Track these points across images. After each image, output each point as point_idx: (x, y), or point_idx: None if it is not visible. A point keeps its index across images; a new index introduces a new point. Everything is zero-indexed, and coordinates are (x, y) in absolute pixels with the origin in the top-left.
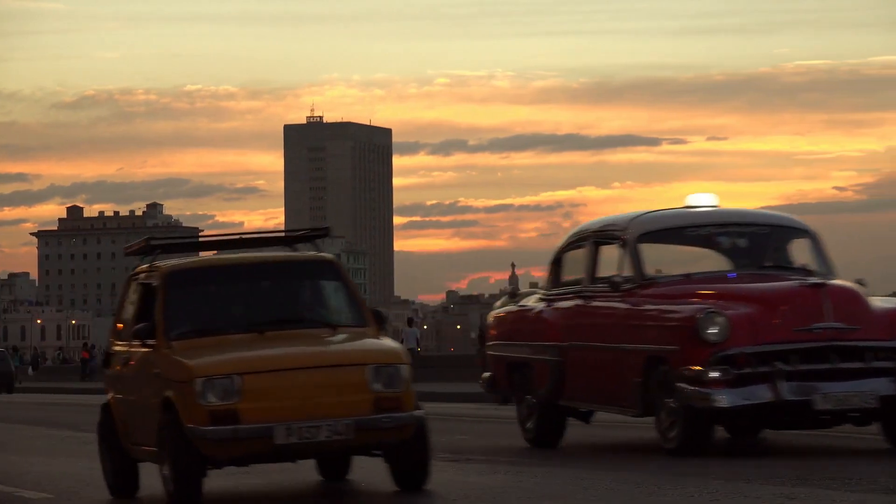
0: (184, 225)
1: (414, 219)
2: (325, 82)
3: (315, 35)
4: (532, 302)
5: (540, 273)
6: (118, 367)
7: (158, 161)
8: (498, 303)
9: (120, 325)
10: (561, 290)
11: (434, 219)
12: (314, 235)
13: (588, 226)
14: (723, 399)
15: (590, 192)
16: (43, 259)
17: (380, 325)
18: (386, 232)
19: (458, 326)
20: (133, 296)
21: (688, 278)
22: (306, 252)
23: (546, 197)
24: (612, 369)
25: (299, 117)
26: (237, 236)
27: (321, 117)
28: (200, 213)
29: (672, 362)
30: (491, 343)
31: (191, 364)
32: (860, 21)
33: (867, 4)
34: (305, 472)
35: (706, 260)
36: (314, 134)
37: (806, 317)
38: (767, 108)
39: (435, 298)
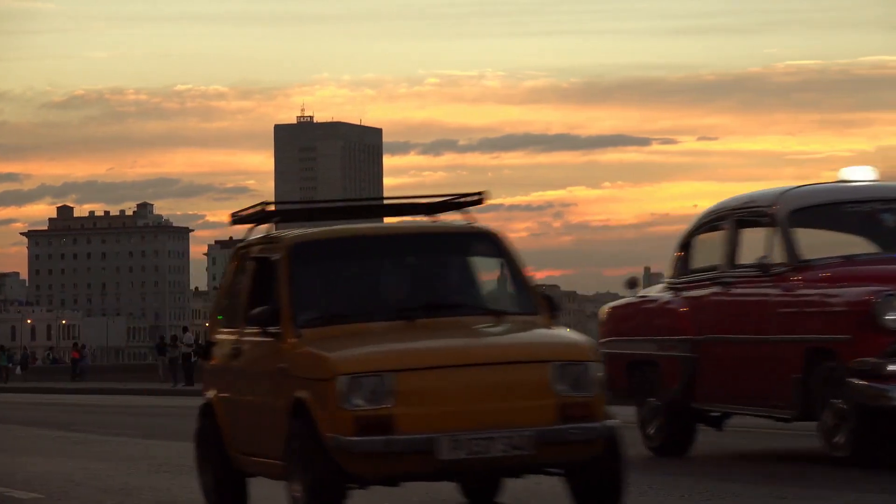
0: (174, 225)
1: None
2: (315, 82)
3: (305, 35)
4: (656, 292)
5: (530, 273)
6: (224, 361)
7: (149, 161)
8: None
9: (223, 310)
10: (692, 278)
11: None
12: (467, 202)
13: (725, 204)
14: None
15: (580, 192)
16: (33, 259)
17: (552, 312)
18: None
19: None
20: (243, 273)
21: (849, 260)
22: (459, 222)
23: (536, 197)
24: (761, 365)
25: (290, 117)
26: (372, 202)
27: (311, 117)
28: (191, 212)
29: (841, 354)
30: (605, 340)
31: (331, 358)
32: (851, 21)
33: (858, 4)
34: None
35: (866, 240)
36: (304, 134)
37: None
38: (758, 108)
39: None
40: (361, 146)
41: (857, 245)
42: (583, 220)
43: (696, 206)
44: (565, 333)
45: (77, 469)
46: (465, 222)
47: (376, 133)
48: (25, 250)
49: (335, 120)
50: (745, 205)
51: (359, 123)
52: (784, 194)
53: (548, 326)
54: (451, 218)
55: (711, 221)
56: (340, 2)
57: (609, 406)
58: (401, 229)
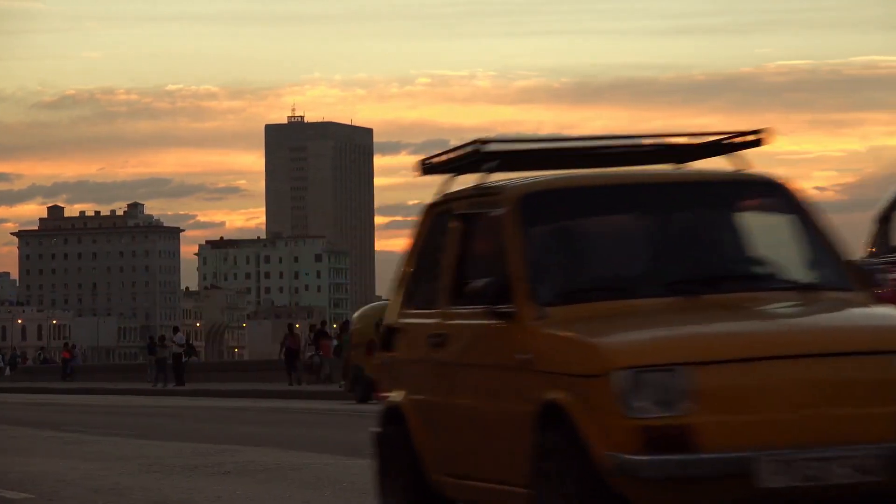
0: (165, 225)
1: (395, 218)
2: (306, 82)
3: (296, 35)
4: None
5: None
6: (419, 351)
7: (140, 161)
8: None
9: (411, 285)
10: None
11: (416, 219)
12: (739, 143)
13: None
14: None
15: None
16: (24, 259)
17: (869, 286)
18: (367, 232)
19: None
20: (444, 237)
21: None
22: (742, 170)
23: None
24: None
25: (280, 117)
26: (626, 141)
27: (302, 117)
28: (182, 212)
29: None
30: None
31: (603, 345)
32: (842, 21)
33: (850, 4)
34: None
35: None
36: (295, 134)
37: None
38: (749, 108)
39: None
40: (352, 146)
41: None
42: None
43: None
44: None
45: (68, 469)
46: (741, 170)
47: (367, 133)
48: (16, 250)
49: (326, 120)
50: None
51: (350, 123)
52: None
53: (872, 306)
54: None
55: None
56: (331, 2)
57: None
58: (665, 177)
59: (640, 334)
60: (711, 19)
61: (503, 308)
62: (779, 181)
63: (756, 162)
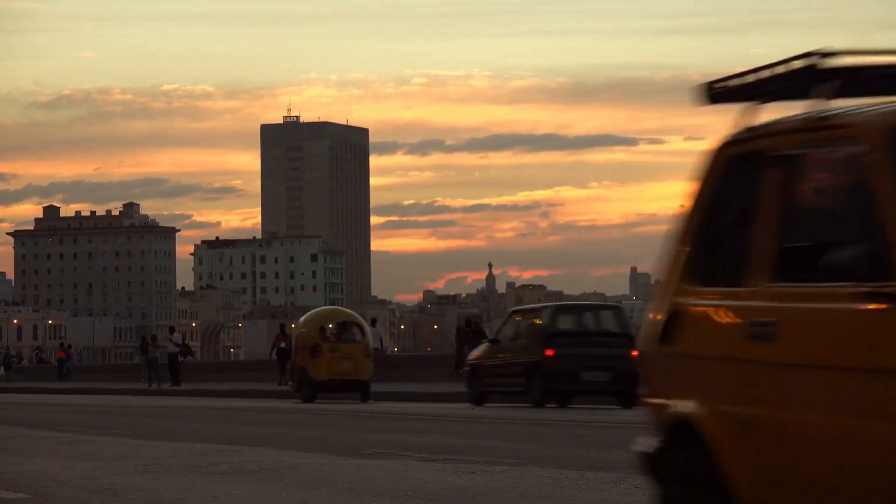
0: (161, 225)
1: (391, 218)
2: (302, 82)
3: (292, 35)
4: None
5: (517, 272)
6: (724, 344)
7: (135, 161)
8: None
9: (692, 254)
10: None
11: (411, 219)
12: None
13: None
14: None
15: (567, 192)
16: (19, 259)
17: None
18: (363, 232)
19: (436, 326)
20: (751, 186)
21: None
22: None
23: (523, 197)
24: None
25: (276, 117)
26: None
27: (298, 117)
28: (177, 212)
29: None
30: None
31: None
32: (835, 21)
33: (843, 4)
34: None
35: None
36: (291, 134)
37: None
38: None
39: (412, 298)
40: (348, 146)
41: None
42: (570, 220)
43: (682, 206)
44: None
45: (63, 469)
46: None
47: (363, 133)
48: (12, 250)
49: (322, 120)
50: None
51: (345, 123)
52: None
53: None
54: None
55: None
56: (327, 2)
57: None
58: None
59: None
60: (706, 19)
61: (885, 286)
62: None
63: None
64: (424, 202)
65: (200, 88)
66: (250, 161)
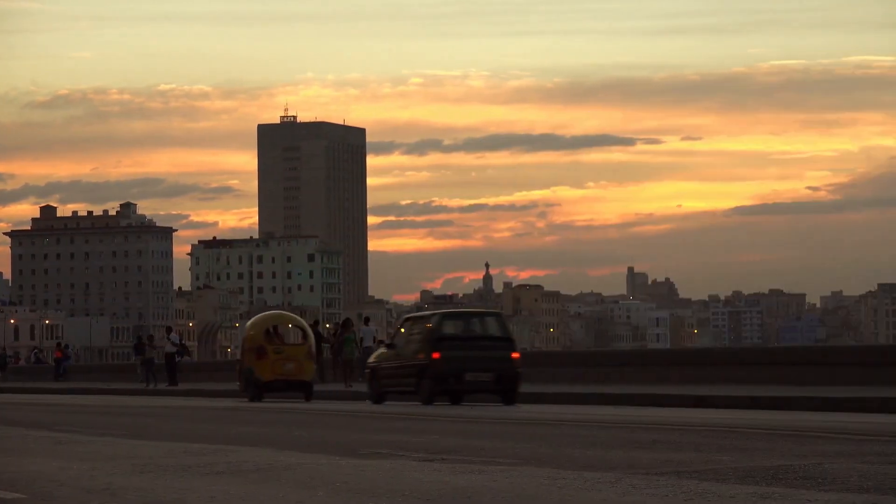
0: (158, 225)
1: (388, 218)
2: (299, 82)
3: (289, 35)
4: None
5: (514, 272)
6: None
7: (133, 161)
8: None
9: None
10: None
11: (408, 218)
12: None
13: None
14: None
15: (564, 192)
16: (16, 259)
17: None
18: (360, 232)
19: None
20: None
21: None
22: None
23: (520, 197)
24: None
25: (273, 117)
26: None
27: (295, 117)
28: (174, 212)
29: None
30: None
31: None
32: (834, 21)
33: (841, 4)
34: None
35: None
36: (288, 134)
37: None
38: (742, 107)
39: (409, 298)
40: (345, 146)
41: None
42: (567, 220)
43: (679, 206)
44: None
45: (60, 469)
46: None
47: (360, 133)
48: (8, 250)
49: (319, 120)
50: None
51: (342, 123)
52: None
53: None
54: None
55: None
56: (325, 2)
57: None
58: None
59: None
60: (704, 19)
61: None
62: None
63: (742, 164)
64: (421, 202)
65: (197, 88)
66: (247, 161)
